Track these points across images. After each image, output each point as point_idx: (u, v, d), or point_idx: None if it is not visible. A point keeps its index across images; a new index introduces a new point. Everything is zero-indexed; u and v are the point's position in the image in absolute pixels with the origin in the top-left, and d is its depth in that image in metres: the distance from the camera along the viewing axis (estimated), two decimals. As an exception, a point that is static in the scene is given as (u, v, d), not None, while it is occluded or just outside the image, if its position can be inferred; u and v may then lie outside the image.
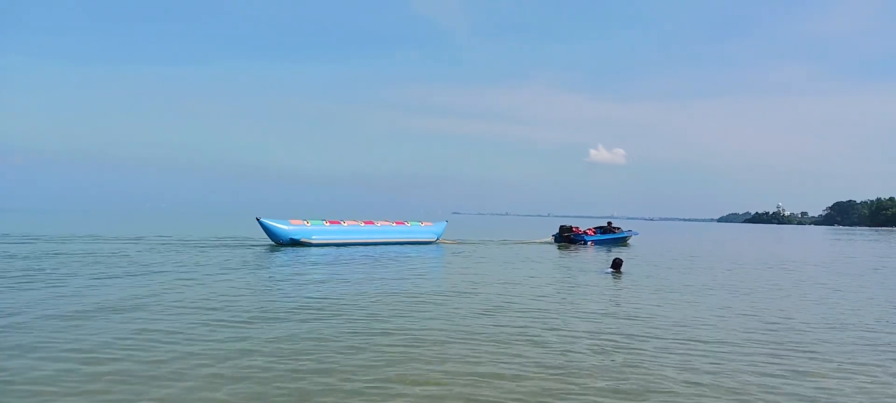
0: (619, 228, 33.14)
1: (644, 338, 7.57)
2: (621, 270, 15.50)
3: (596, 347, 7.02)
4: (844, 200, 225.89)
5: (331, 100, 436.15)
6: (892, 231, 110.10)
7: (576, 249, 26.38)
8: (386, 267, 15.86)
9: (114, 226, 35.85)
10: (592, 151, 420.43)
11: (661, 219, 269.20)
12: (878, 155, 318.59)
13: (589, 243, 29.68)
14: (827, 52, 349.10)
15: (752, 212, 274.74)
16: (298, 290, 11.10)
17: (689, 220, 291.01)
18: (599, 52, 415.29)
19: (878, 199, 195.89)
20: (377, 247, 22.71)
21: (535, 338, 7.41)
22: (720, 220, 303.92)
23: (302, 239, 21.98)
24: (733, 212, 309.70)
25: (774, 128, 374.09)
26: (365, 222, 25.30)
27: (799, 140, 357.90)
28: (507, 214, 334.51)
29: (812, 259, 24.76)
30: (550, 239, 31.22)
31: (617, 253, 21.51)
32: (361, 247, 22.36)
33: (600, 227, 32.35)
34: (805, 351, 7.06)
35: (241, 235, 27.29)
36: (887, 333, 8.29)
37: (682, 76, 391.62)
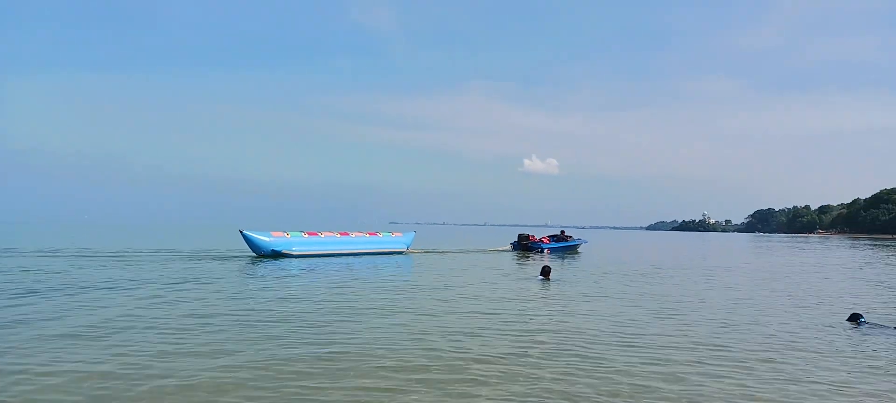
0: (570, 237, 35.19)
1: (559, 340, 8.08)
2: (550, 277, 16.45)
3: (517, 349, 7.45)
4: (765, 208, 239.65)
5: (262, 108, 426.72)
6: (807, 238, 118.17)
7: (532, 256, 28.06)
8: (364, 275, 16.71)
9: (62, 239, 35.04)
10: (527, 161, 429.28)
11: (592, 227, 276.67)
12: (796, 165, 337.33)
13: (545, 251, 31.46)
14: (750, 65, 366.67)
15: (679, 220, 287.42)
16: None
17: (619, 228, 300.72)
18: (531, 62, 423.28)
19: (795, 207, 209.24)
20: (353, 258, 23.42)
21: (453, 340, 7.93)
22: (648, 228, 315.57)
23: (283, 251, 22.60)
24: (661, 220, 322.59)
25: (700, 138, 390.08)
26: (340, 233, 26.20)
27: (723, 150, 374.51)
28: (444, 224, 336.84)
29: (731, 264, 26.74)
30: (509, 247, 32.99)
31: (568, 259, 23.09)
32: (339, 258, 22.96)
33: (554, 236, 34.32)
34: (715, 348, 7.69)
35: (204, 248, 27.47)
36: (788, 332, 8.97)
37: (611, 88, 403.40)
